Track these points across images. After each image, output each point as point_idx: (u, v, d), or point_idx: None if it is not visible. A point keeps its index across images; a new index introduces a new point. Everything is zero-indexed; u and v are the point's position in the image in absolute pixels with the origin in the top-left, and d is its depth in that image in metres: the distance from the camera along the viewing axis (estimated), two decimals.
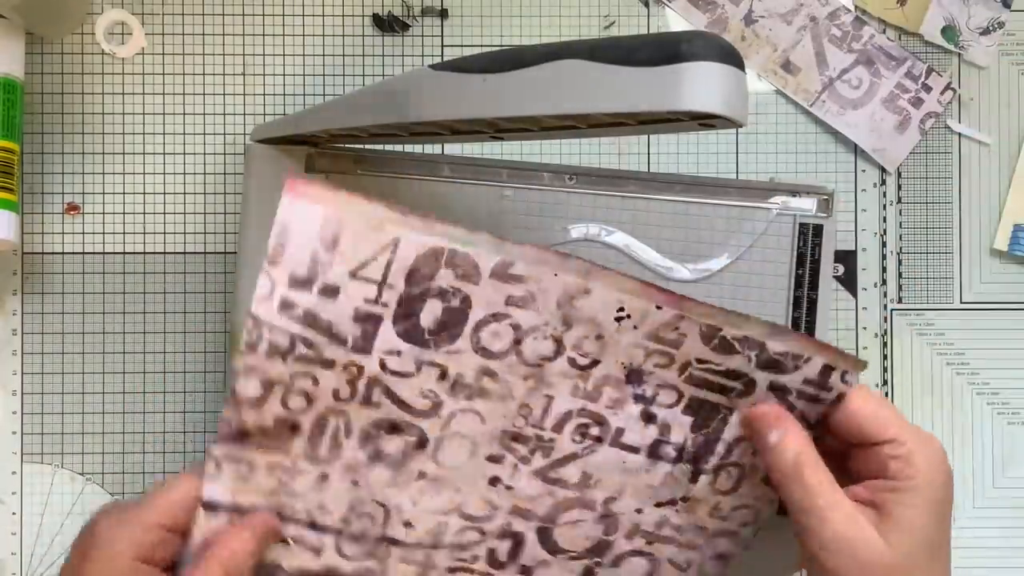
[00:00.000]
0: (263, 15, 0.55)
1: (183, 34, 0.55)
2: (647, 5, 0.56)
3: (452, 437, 0.42)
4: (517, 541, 0.44)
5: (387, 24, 0.55)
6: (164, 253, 0.55)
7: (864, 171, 0.56)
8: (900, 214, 0.56)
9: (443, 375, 0.41)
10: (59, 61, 0.55)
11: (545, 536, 0.44)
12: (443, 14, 0.55)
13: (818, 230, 0.51)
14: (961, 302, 0.56)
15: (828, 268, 0.51)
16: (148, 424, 0.54)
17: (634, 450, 0.43)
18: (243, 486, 0.41)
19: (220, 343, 0.55)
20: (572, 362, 0.42)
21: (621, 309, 0.41)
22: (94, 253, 0.55)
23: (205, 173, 0.55)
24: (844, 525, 0.39)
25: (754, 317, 0.42)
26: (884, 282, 0.56)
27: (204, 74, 0.55)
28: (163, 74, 0.55)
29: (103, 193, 0.55)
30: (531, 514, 0.44)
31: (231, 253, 0.55)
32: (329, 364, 0.40)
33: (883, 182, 0.56)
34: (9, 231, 0.51)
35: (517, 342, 0.41)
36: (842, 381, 0.42)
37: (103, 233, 0.55)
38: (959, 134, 0.56)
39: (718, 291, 0.51)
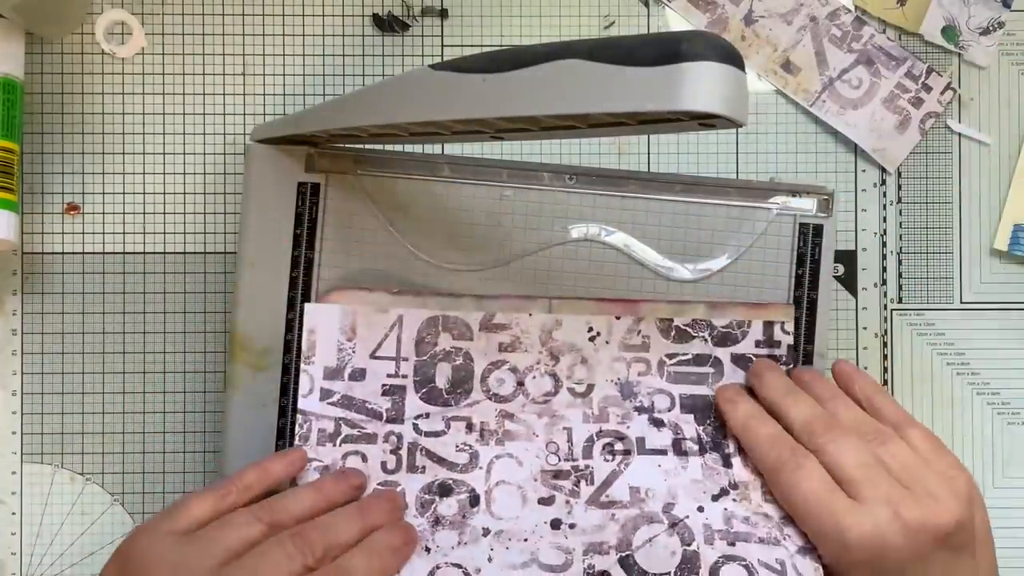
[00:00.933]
0: (263, 15, 0.55)
1: (183, 34, 0.55)
2: (647, 5, 0.56)
3: (499, 487, 0.47)
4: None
5: (387, 24, 0.55)
6: (164, 253, 0.55)
7: (864, 171, 0.56)
8: (900, 214, 0.56)
9: (470, 427, 0.48)
10: (59, 61, 0.55)
11: (629, 564, 0.46)
12: (443, 14, 0.55)
13: (818, 230, 0.51)
14: (961, 302, 0.56)
15: (828, 268, 0.51)
16: (148, 424, 0.54)
17: (662, 452, 0.48)
18: None
19: (220, 343, 0.55)
20: (572, 392, 0.48)
21: (591, 329, 0.48)
22: (94, 253, 0.55)
23: (205, 173, 0.55)
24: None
25: (694, 300, 0.49)
26: (884, 282, 0.56)
27: (204, 74, 0.55)
28: (163, 74, 0.55)
29: (103, 193, 0.55)
30: (605, 546, 0.46)
31: (231, 253, 0.55)
32: (372, 439, 0.47)
33: (883, 182, 0.56)
34: (9, 231, 0.51)
35: (520, 383, 0.48)
36: (783, 331, 0.49)
37: (103, 233, 0.55)
38: (959, 134, 0.56)
39: (718, 291, 0.51)
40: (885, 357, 0.55)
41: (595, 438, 0.48)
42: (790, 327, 0.49)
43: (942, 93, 0.55)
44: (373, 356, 0.48)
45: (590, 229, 0.51)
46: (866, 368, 0.55)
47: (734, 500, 0.47)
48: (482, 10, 0.55)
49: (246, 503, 0.43)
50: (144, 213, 0.55)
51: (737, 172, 0.55)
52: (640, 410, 0.48)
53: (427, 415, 0.48)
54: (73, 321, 0.55)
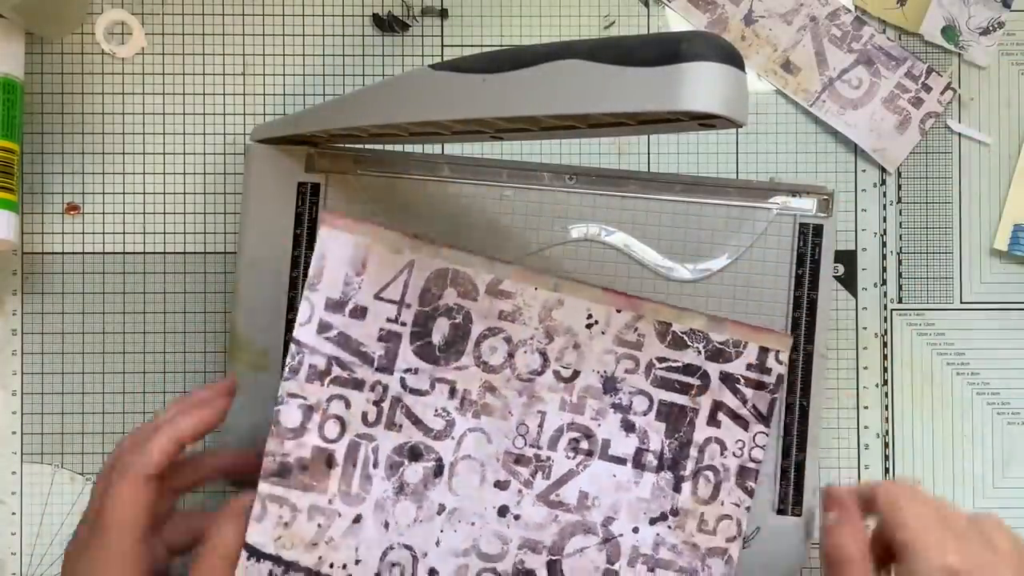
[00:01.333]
0: (263, 15, 0.55)
1: (183, 34, 0.55)
2: (647, 5, 0.56)
3: (464, 461, 0.47)
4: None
5: (387, 24, 0.55)
6: (164, 253, 0.55)
7: (864, 171, 0.56)
8: (900, 214, 0.56)
9: (452, 391, 0.47)
10: (59, 61, 0.55)
11: (554, 570, 0.48)
12: (443, 14, 0.55)
13: (818, 230, 0.51)
14: (961, 302, 0.56)
15: (828, 268, 0.51)
16: None
17: (621, 461, 0.48)
18: (285, 533, 0.46)
19: (220, 343, 0.55)
20: (557, 375, 0.48)
21: (590, 316, 0.48)
22: (94, 253, 0.55)
23: (205, 173, 0.55)
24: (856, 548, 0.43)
25: (696, 311, 0.48)
26: (884, 282, 0.56)
27: (204, 74, 0.55)
28: (163, 74, 0.55)
29: (103, 193, 0.55)
30: (540, 546, 0.48)
31: (231, 253, 0.55)
32: (359, 384, 0.46)
33: (883, 182, 0.56)
34: (9, 231, 0.51)
35: (511, 355, 0.48)
36: (777, 361, 0.48)
37: (103, 233, 0.55)
38: (959, 134, 0.56)
39: (718, 291, 0.51)
40: (885, 357, 0.55)
41: (565, 430, 0.48)
42: (784, 357, 0.48)
43: (942, 93, 0.55)
44: (377, 296, 0.47)
45: (590, 229, 0.51)
46: (866, 368, 0.55)
47: (669, 527, 0.48)
48: (482, 10, 0.55)
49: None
50: (144, 213, 0.55)
51: (737, 172, 0.55)
52: (617, 408, 0.48)
53: (416, 371, 0.47)
54: (73, 321, 0.55)
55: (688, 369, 0.48)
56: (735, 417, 0.49)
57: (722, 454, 0.48)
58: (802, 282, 0.51)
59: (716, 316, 0.48)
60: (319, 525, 0.46)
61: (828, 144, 0.56)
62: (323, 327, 0.46)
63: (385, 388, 0.47)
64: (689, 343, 0.48)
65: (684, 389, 0.49)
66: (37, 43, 0.55)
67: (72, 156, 0.55)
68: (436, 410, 0.47)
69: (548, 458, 0.48)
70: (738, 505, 0.49)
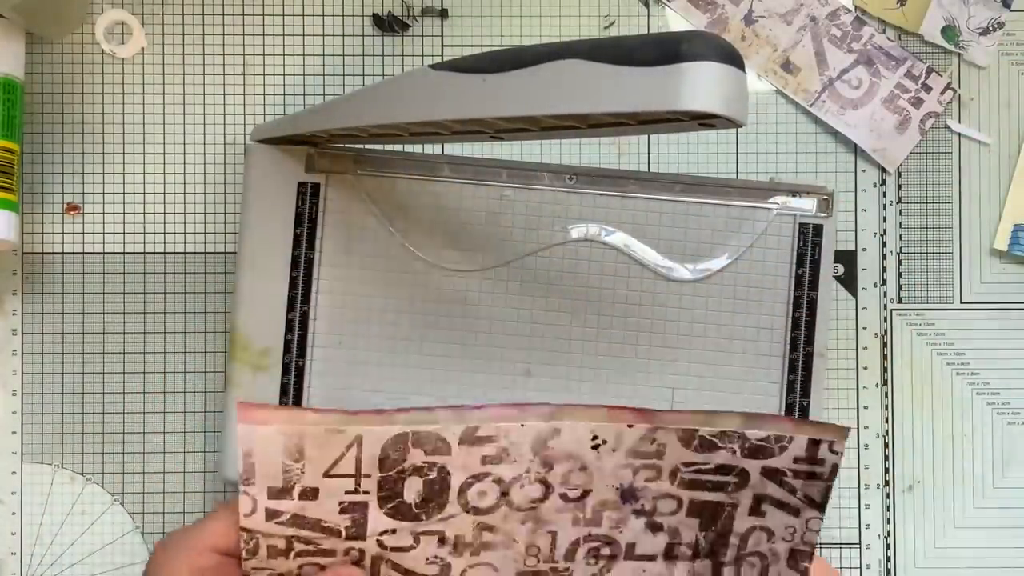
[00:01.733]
0: (263, 15, 0.55)
1: (183, 34, 0.55)
2: (647, 5, 0.56)
3: None
4: None
5: (387, 24, 0.55)
6: (164, 253, 0.55)
7: (864, 171, 0.56)
8: (900, 214, 0.56)
9: (442, 540, 0.42)
10: (59, 61, 0.55)
11: None
12: (443, 14, 0.55)
13: (818, 230, 0.51)
14: (961, 302, 0.56)
15: (828, 268, 0.51)
16: (148, 424, 0.54)
17: (650, 558, 0.43)
18: None
19: (220, 343, 0.55)
20: (564, 497, 0.42)
21: (595, 438, 0.41)
22: (94, 253, 0.55)
23: (205, 173, 0.55)
24: None
25: (726, 412, 0.42)
26: (884, 282, 0.56)
27: (204, 74, 0.55)
28: (163, 74, 0.55)
29: (103, 193, 0.55)
30: None
31: (231, 253, 0.55)
32: (330, 553, 0.41)
33: (883, 182, 0.56)
34: (9, 231, 0.51)
35: (504, 494, 0.41)
36: (831, 452, 0.42)
37: (103, 233, 0.55)
38: (959, 134, 0.56)
39: (718, 291, 0.51)
40: (885, 357, 0.55)
41: (581, 542, 0.43)
42: (841, 447, 0.42)
43: (942, 93, 0.55)
44: (327, 475, 0.40)
45: (590, 229, 0.51)
46: (866, 368, 0.55)
47: None
48: (482, 10, 0.55)
49: None
50: (144, 213, 0.55)
51: (737, 172, 0.55)
52: (638, 513, 0.43)
53: (393, 531, 0.41)
54: (73, 321, 0.55)
55: (721, 469, 0.42)
56: (782, 506, 0.43)
57: (769, 540, 0.43)
58: (802, 282, 0.51)
59: (753, 413, 0.42)
60: None
61: (828, 144, 0.56)
62: (272, 514, 0.40)
63: (362, 552, 0.41)
64: (721, 445, 0.42)
65: (718, 487, 0.43)
66: (37, 43, 0.55)
67: (72, 156, 0.55)
68: (428, 559, 0.42)
69: (566, 569, 0.43)
70: None
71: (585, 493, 0.42)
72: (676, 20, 0.56)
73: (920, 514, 0.55)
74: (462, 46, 0.55)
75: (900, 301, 0.56)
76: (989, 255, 0.56)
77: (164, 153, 0.55)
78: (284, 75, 0.55)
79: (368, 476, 0.40)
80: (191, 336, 0.55)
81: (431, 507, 0.41)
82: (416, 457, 0.40)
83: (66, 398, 0.54)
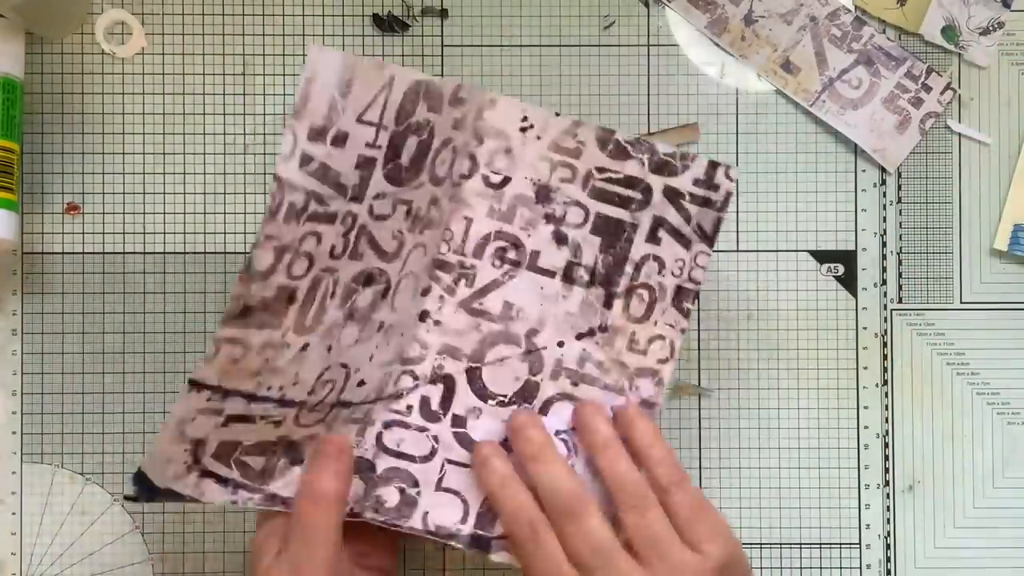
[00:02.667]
0: (263, 15, 0.55)
1: (183, 34, 0.55)
2: (647, 5, 0.56)
3: (407, 278, 0.47)
4: (448, 386, 0.46)
5: (387, 24, 0.55)
6: (164, 253, 0.55)
7: (864, 171, 0.56)
8: (900, 214, 0.56)
9: (408, 211, 0.47)
10: (59, 61, 0.55)
11: (474, 377, 0.46)
12: (443, 14, 0.55)
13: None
14: (961, 302, 0.56)
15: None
16: (148, 424, 0.54)
17: (550, 274, 0.46)
18: (231, 368, 0.47)
19: None
20: (486, 180, 0.46)
21: (525, 119, 0.46)
22: (94, 253, 0.55)
23: (205, 173, 0.55)
24: None
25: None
26: (884, 282, 0.56)
27: (204, 74, 0.55)
28: (163, 74, 0.55)
29: (103, 193, 0.55)
30: (459, 352, 0.46)
31: (231, 253, 0.55)
32: (332, 218, 0.47)
33: (883, 182, 0.56)
34: (9, 231, 0.51)
35: (453, 164, 0.46)
36: (727, 177, 0.46)
37: (103, 233, 0.55)
38: (959, 134, 0.56)
39: None
40: (885, 357, 0.55)
41: (492, 238, 0.46)
42: (735, 174, 0.46)
43: (942, 93, 0.55)
44: (359, 120, 0.47)
45: None
46: (866, 368, 0.55)
47: (596, 343, 0.47)
48: (482, 10, 0.55)
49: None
50: (144, 213, 0.55)
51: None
52: (549, 218, 0.46)
53: (384, 195, 0.47)
54: (73, 321, 0.55)
55: (629, 181, 0.46)
56: (677, 235, 0.47)
57: (660, 272, 0.47)
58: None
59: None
60: (267, 359, 0.47)
61: (828, 144, 0.56)
62: (304, 160, 0.47)
63: (355, 217, 0.47)
64: (633, 153, 0.46)
65: (624, 203, 0.46)
66: (37, 43, 0.55)
67: (72, 156, 0.55)
68: (393, 232, 0.47)
69: (472, 266, 0.46)
70: (672, 326, 0.47)
71: (505, 180, 0.46)
72: (676, 20, 0.56)
73: (920, 514, 0.55)
74: (462, 46, 0.55)
75: (900, 301, 0.56)
76: (989, 255, 0.56)
77: (164, 153, 0.55)
78: (284, 75, 0.55)
79: (385, 128, 0.47)
80: (191, 336, 0.55)
81: (412, 171, 0.47)
82: (421, 112, 0.47)
83: (66, 398, 0.54)
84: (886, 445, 0.55)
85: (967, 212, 0.56)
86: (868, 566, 0.55)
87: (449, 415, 0.46)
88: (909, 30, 0.55)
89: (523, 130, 0.46)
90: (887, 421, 0.55)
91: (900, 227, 0.56)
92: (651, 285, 0.47)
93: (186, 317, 0.55)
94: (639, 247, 0.47)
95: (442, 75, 0.55)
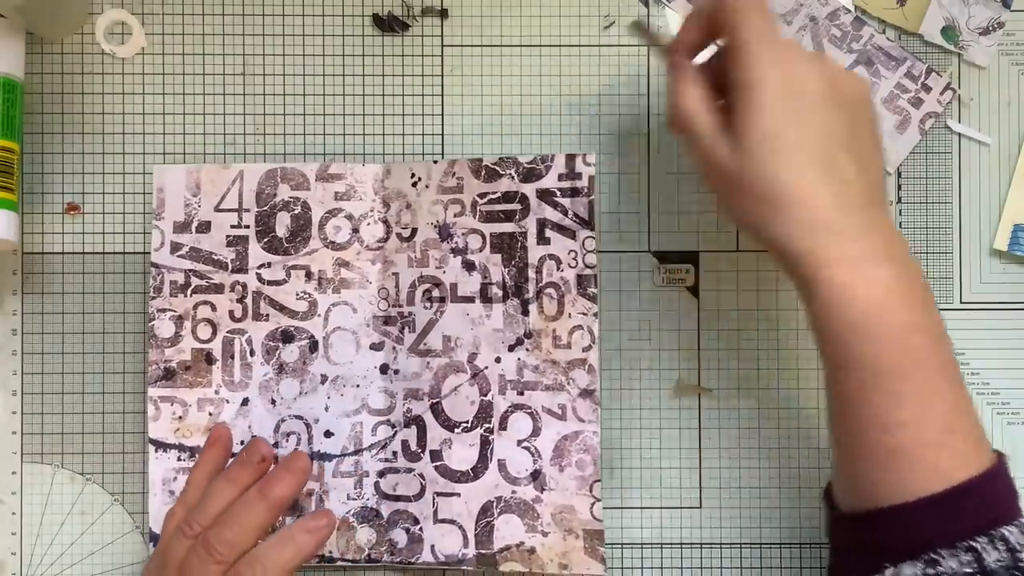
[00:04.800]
0: (263, 15, 0.55)
1: (183, 34, 0.55)
2: (647, 5, 0.56)
3: (336, 333, 0.52)
4: (420, 426, 0.52)
5: (387, 24, 0.55)
6: None
7: None
8: (900, 214, 0.56)
9: (308, 275, 0.52)
10: (59, 61, 0.55)
11: (437, 411, 0.52)
12: (443, 14, 0.55)
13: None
14: (961, 302, 0.56)
15: None
16: (148, 424, 0.54)
17: (470, 300, 0.52)
18: (181, 425, 0.52)
19: None
20: (400, 236, 0.53)
21: (413, 175, 0.53)
22: (94, 253, 0.55)
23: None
24: (691, 102, 0.44)
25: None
26: None
27: (204, 74, 0.55)
28: (163, 74, 0.55)
29: (103, 193, 0.55)
30: (420, 392, 0.52)
31: None
32: (219, 288, 0.52)
33: None
34: (9, 231, 0.51)
35: (355, 231, 0.53)
36: (585, 164, 0.52)
37: (103, 233, 0.55)
38: (959, 134, 0.56)
39: None
40: None
41: (417, 283, 0.52)
42: (592, 159, 0.52)
43: (942, 93, 0.55)
44: (217, 209, 0.52)
45: None
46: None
47: (527, 350, 0.52)
48: (482, 10, 0.55)
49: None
50: (144, 213, 0.55)
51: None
52: (455, 251, 0.52)
53: (269, 264, 0.52)
54: (73, 321, 0.55)
55: (507, 197, 0.52)
56: (561, 229, 0.52)
57: (559, 268, 0.52)
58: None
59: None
60: (210, 413, 0.52)
61: None
62: (175, 247, 0.52)
63: (244, 286, 0.52)
64: (502, 172, 0.52)
65: (508, 216, 0.52)
66: (37, 43, 0.55)
67: (72, 156, 0.55)
68: (297, 294, 0.52)
69: (410, 313, 0.53)
70: (585, 314, 0.52)
71: (414, 232, 0.53)
72: (676, 20, 0.56)
73: None
74: (462, 46, 0.55)
75: None
76: (989, 255, 0.56)
77: (164, 153, 0.55)
78: (284, 75, 0.55)
79: (248, 211, 0.53)
80: None
81: (298, 241, 0.53)
82: (284, 192, 0.53)
83: (66, 398, 0.54)
84: None
85: (967, 212, 0.56)
86: None
87: (427, 452, 0.52)
88: (909, 30, 0.55)
89: (414, 184, 0.53)
90: None
91: (900, 227, 0.56)
92: (555, 282, 0.52)
93: None
94: (534, 251, 0.52)
95: (442, 75, 0.55)
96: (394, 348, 0.52)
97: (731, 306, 0.55)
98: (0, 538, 0.54)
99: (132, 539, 0.54)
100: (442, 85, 0.55)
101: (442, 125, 0.55)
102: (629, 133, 0.55)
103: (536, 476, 0.52)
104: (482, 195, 0.52)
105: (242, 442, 0.52)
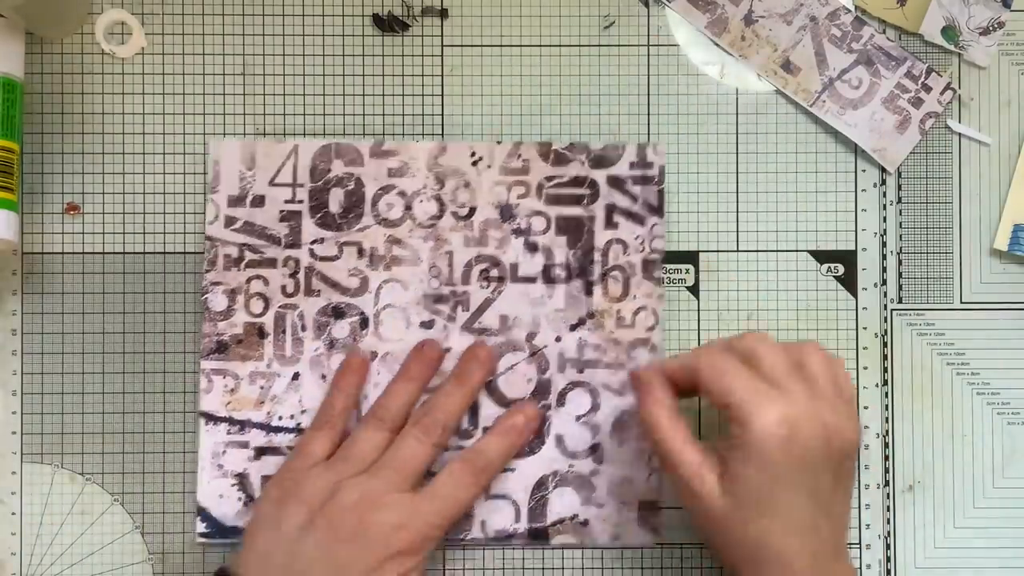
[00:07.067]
0: (263, 15, 0.55)
1: (183, 34, 0.55)
2: (647, 5, 0.56)
3: (386, 311, 0.53)
4: (473, 403, 0.52)
5: (387, 24, 0.55)
6: (164, 253, 0.55)
7: (864, 171, 0.56)
8: (900, 214, 0.56)
9: (360, 251, 0.53)
10: (59, 61, 0.55)
11: (492, 388, 0.53)
12: (443, 14, 0.55)
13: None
14: (961, 302, 0.56)
15: None
16: (148, 424, 0.54)
17: (531, 280, 0.53)
18: (233, 398, 0.53)
19: None
20: (456, 215, 0.53)
21: (474, 154, 0.53)
22: (94, 253, 0.55)
23: (205, 173, 0.55)
24: (689, 470, 0.46)
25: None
26: (884, 282, 0.56)
27: (204, 74, 0.55)
28: (163, 74, 0.55)
29: (103, 193, 0.55)
30: None
31: None
32: (272, 263, 0.53)
33: (883, 182, 0.56)
34: (9, 231, 0.51)
35: (408, 208, 0.53)
36: (655, 153, 0.53)
37: (103, 233, 0.55)
38: (959, 134, 0.56)
39: None
40: (885, 357, 0.55)
41: (473, 263, 0.53)
42: (662, 148, 0.53)
43: (942, 93, 0.55)
44: (272, 183, 0.53)
45: None
46: (866, 368, 0.55)
47: (589, 329, 0.53)
48: (482, 10, 0.55)
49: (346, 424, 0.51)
50: (144, 213, 0.55)
51: (737, 172, 0.55)
52: (517, 232, 0.53)
53: (322, 240, 0.53)
54: (73, 321, 0.55)
55: (576, 181, 0.53)
56: (629, 215, 0.53)
57: (625, 252, 0.53)
58: None
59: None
60: (261, 387, 0.53)
61: (828, 144, 0.56)
62: (229, 221, 0.53)
63: (297, 261, 0.53)
64: (571, 156, 0.53)
65: (576, 201, 0.53)
66: (37, 43, 0.55)
67: (72, 156, 0.55)
68: (349, 271, 0.53)
69: (464, 292, 0.53)
70: (650, 296, 0.53)
71: (472, 211, 0.53)
72: (676, 20, 0.56)
73: (920, 514, 0.55)
74: (462, 46, 0.55)
75: (900, 301, 0.56)
76: (989, 255, 0.56)
77: (164, 153, 0.55)
78: (284, 75, 0.55)
79: (301, 186, 0.53)
80: (191, 336, 0.55)
81: (351, 217, 0.53)
82: (338, 168, 0.53)
83: (66, 398, 0.54)
84: (886, 445, 0.55)
85: (967, 212, 0.56)
86: (868, 566, 0.55)
87: (479, 429, 0.52)
88: (909, 30, 0.55)
89: (474, 163, 0.53)
90: (887, 421, 0.55)
91: (900, 227, 0.56)
92: (621, 266, 0.53)
93: (185, 317, 0.55)
94: (601, 235, 0.53)
95: (442, 75, 0.55)
96: (445, 326, 0.53)
97: (731, 306, 0.55)
98: (0, 538, 0.54)
99: (132, 539, 0.54)
100: (442, 85, 0.55)
101: (442, 125, 0.55)
102: (629, 134, 0.55)
103: (595, 450, 0.53)
104: (549, 178, 0.53)
105: (292, 416, 0.53)
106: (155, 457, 0.54)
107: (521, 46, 0.55)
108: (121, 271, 0.55)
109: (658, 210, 0.53)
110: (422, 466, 0.49)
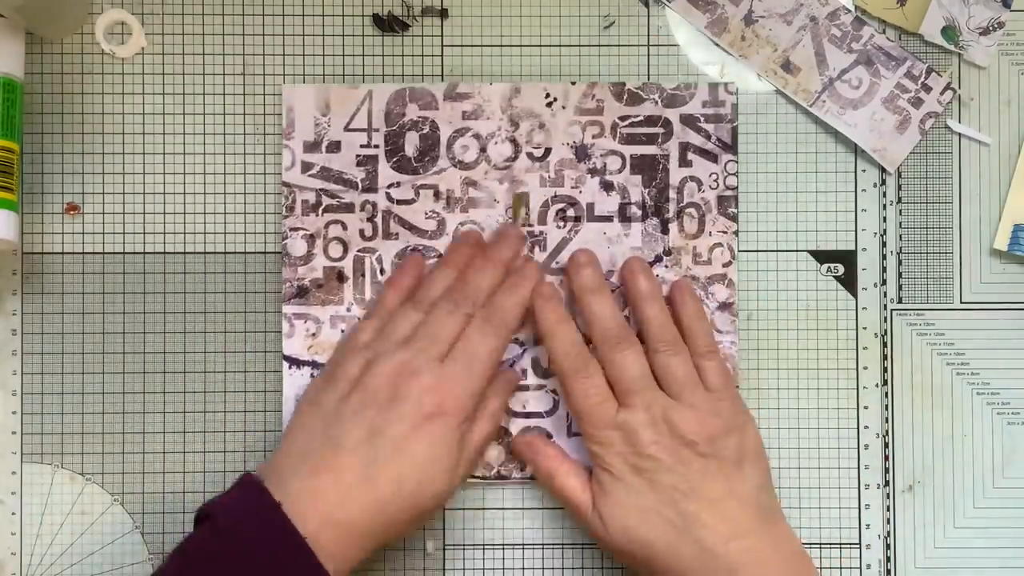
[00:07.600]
0: (263, 15, 0.55)
1: (183, 34, 0.55)
2: (647, 5, 0.56)
3: None
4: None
5: (387, 24, 0.55)
6: (164, 253, 0.55)
7: (864, 171, 0.56)
8: (900, 214, 0.56)
9: (437, 194, 0.54)
10: (59, 61, 0.55)
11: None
12: (443, 14, 0.55)
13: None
14: (961, 302, 0.56)
15: None
16: (148, 424, 0.54)
17: (608, 219, 0.54)
18: (314, 342, 0.53)
19: (220, 343, 0.55)
20: (531, 156, 0.54)
21: (548, 95, 0.54)
22: (94, 253, 0.55)
23: (205, 173, 0.55)
24: (567, 480, 0.51)
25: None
26: (884, 282, 0.56)
27: (204, 74, 0.55)
28: (163, 74, 0.55)
29: (103, 193, 0.55)
30: None
31: (231, 253, 0.55)
32: (350, 208, 0.53)
33: (883, 182, 0.56)
34: (9, 231, 0.51)
35: (483, 149, 0.54)
36: (728, 92, 0.54)
37: (103, 233, 0.55)
38: (959, 134, 0.56)
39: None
40: (885, 357, 0.55)
41: (550, 203, 0.53)
42: (733, 88, 0.54)
43: (942, 93, 0.55)
44: (347, 128, 0.53)
45: None
46: (866, 368, 0.55)
47: (666, 266, 0.54)
48: (482, 10, 0.55)
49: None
50: (144, 213, 0.55)
51: (738, 172, 0.55)
52: (593, 172, 0.53)
53: (398, 184, 0.53)
54: (73, 321, 0.55)
55: (650, 120, 0.54)
56: (703, 153, 0.54)
57: (700, 190, 0.54)
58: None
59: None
60: (342, 330, 0.53)
61: (828, 144, 0.56)
62: (305, 167, 0.53)
63: (374, 205, 0.53)
64: (645, 96, 0.54)
65: (651, 140, 0.54)
66: (37, 43, 0.55)
67: (72, 156, 0.55)
68: (426, 213, 0.53)
69: (542, 232, 0.54)
70: (725, 232, 0.54)
71: (547, 152, 0.53)
72: (676, 20, 0.56)
73: (920, 514, 0.55)
74: (462, 46, 0.55)
75: (900, 301, 0.56)
76: (989, 255, 0.56)
77: (164, 153, 0.55)
78: (284, 75, 0.55)
79: (377, 130, 0.53)
80: (191, 336, 0.55)
81: (426, 160, 0.53)
82: (412, 112, 0.53)
83: (66, 398, 0.54)
84: (886, 445, 0.55)
85: (967, 212, 0.56)
86: (868, 566, 0.55)
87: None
88: (909, 30, 0.55)
89: (549, 105, 0.54)
90: (887, 421, 0.55)
91: (900, 227, 0.56)
92: (696, 203, 0.54)
93: (185, 317, 0.55)
94: (675, 173, 0.54)
95: (442, 75, 0.55)
96: None
97: None
98: (0, 538, 0.54)
99: (132, 539, 0.54)
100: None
101: None
102: None
103: None
104: (623, 118, 0.53)
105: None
106: (155, 457, 0.54)
107: (521, 46, 0.55)
108: (121, 271, 0.55)
109: (731, 147, 0.54)
110: (451, 336, 0.49)
